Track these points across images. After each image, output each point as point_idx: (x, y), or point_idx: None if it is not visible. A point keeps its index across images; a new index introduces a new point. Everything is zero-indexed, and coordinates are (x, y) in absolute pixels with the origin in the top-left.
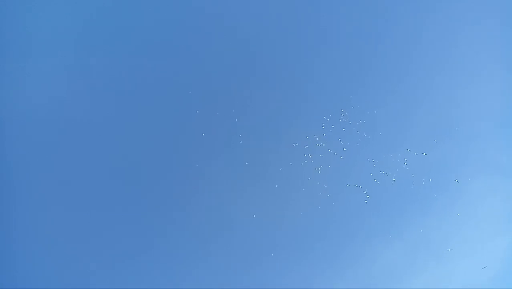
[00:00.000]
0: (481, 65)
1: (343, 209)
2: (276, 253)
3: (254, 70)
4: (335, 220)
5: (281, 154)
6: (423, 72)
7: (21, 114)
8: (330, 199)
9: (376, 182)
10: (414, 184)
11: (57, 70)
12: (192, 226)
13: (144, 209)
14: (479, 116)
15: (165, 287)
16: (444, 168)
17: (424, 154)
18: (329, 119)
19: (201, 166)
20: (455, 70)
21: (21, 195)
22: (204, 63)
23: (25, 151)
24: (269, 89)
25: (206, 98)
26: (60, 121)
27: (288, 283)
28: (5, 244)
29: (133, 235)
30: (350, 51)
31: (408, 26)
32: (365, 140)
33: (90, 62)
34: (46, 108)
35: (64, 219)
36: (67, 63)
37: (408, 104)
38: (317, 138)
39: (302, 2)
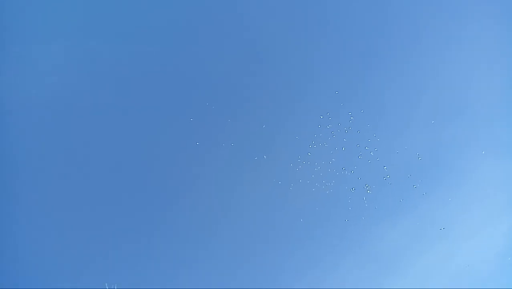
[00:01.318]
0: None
1: (346, 191)
2: (277, 238)
3: (254, 70)
4: (338, 203)
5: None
6: (429, 57)
7: (19, 110)
8: (333, 184)
9: (383, 165)
10: (418, 168)
11: (56, 69)
12: (190, 224)
13: (144, 208)
14: (486, 99)
15: (165, 287)
16: (449, 150)
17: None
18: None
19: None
20: (460, 55)
21: (20, 193)
22: (205, 62)
23: (23, 148)
24: (266, 89)
25: (203, 99)
26: (58, 119)
27: (290, 266)
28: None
29: (134, 234)
30: (351, 48)
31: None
32: (371, 123)
33: (90, 62)
34: (43, 104)
35: (63, 217)
36: (67, 61)
37: (414, 86)
38: (319, 126)
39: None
